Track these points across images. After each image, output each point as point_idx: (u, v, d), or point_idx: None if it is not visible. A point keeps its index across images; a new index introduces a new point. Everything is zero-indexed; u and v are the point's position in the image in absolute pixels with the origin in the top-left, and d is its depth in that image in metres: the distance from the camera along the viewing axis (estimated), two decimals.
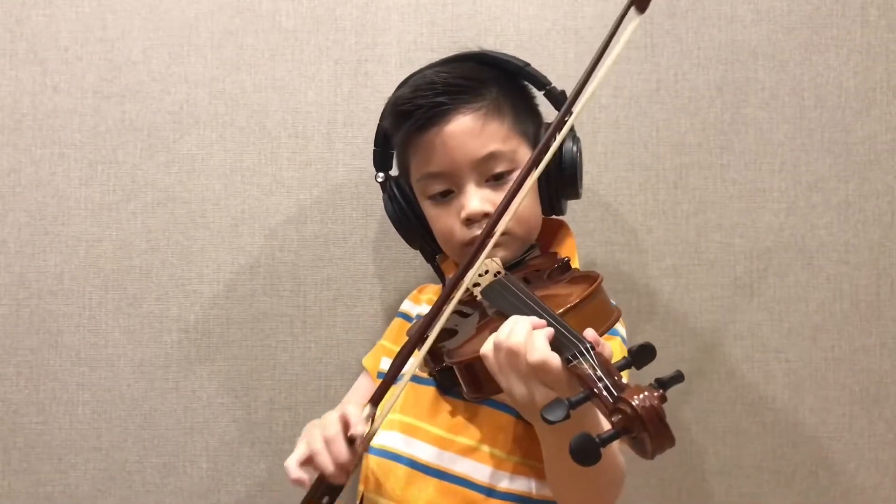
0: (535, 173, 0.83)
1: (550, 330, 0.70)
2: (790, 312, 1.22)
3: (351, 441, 0.80)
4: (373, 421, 0.82)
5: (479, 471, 0.88)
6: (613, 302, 0.84)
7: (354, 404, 0.83)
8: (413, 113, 0.93)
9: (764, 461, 1.22)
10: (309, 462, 0.81)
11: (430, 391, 0.93)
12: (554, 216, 1.03)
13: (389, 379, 0.82)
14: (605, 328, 0.77)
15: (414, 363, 0.82)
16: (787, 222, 1.23)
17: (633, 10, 0.84)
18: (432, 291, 1.09)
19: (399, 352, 0.84)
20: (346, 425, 0.80)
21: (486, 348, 0.73)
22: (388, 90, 1.01)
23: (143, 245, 1.23)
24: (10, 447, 1.22)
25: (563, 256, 0.94)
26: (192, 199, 1.23)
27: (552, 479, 0.84)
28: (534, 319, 0.72)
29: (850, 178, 1.23)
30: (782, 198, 1.23)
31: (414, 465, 0.90)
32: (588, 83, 0.82)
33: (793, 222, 1.23)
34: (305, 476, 0.80)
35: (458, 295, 0.82)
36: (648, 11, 1.21)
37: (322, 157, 1.24)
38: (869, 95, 1.23)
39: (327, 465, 0.79)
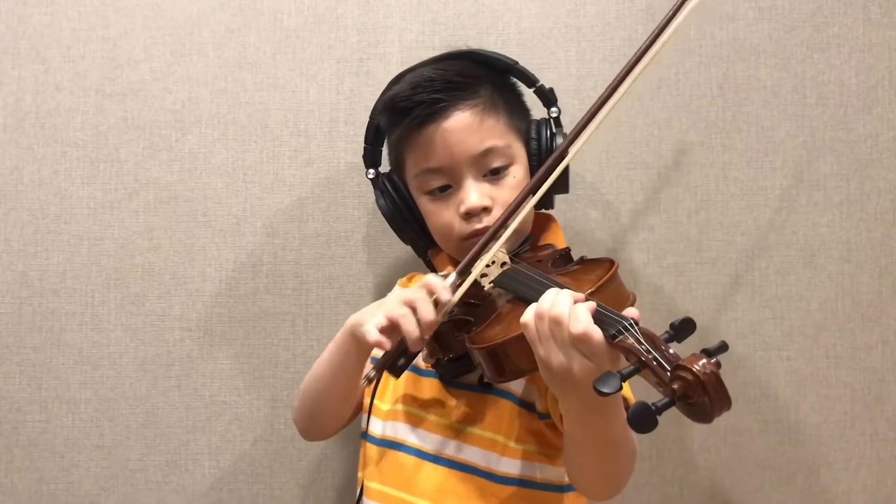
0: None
1: (592, 304, 0.71)
2: (792, 310, 1.22)
3: (435, 305, 0.81)
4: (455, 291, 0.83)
5: (485, 457, 0.90)
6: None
7: (434, 274, 0.86)
8: (412, 110, 0.94)
9: (765, 459, 1.22)
10: (388, 330, 0.81)
11: (433, 382, 0.94)
12: (543, 210, 1.05)
13: (475, 254, 0.85)
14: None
15: (497, 247, 0.85)
16: (789, 220, 1.23)
17: None
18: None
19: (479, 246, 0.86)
20: (430, 292, 0.82)
21: (527, 317, 0.74)
22: None
23: (146, 243, 1.23)
24: (13, 445, 1.22)
25: (561, 248, 0.96)
26: (194, 198, 1.24)
27: (572, 454, 0.84)
28: (573, 293, 0.73)
29: (852, 177, 1.23)
30: (784, 196, 1.23)
31: (419, 453, 0.92)
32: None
33: (794, 220, 1.23)
34: (386, 340, 0.81)
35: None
36: (648, 7, 1.23)
37: (324, 156, 1.24)
38: (871, 94, 1.23)
39: (413, 328, 0.80)
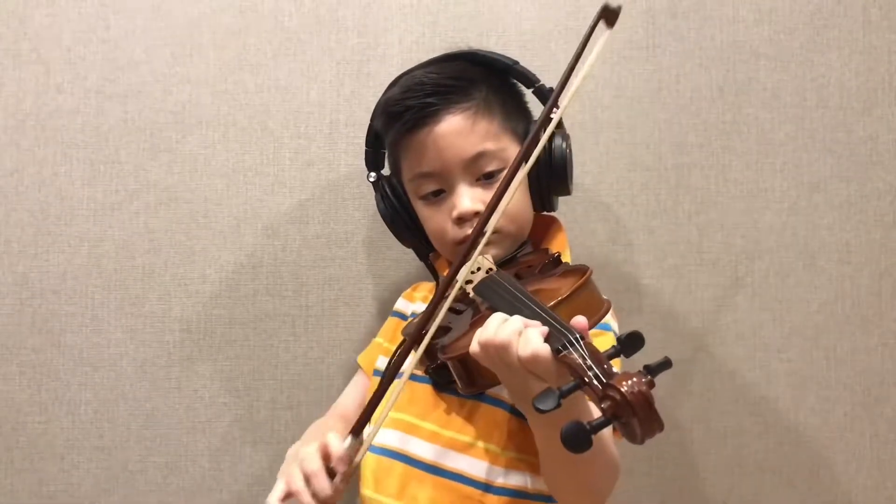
0: (522, 171, 0.84)
1: (545, 329, 0.70)
2: (792, 312, 1.22)
3: (332, 474, 0.79)
4: (357, 449, 0.81)
5: (476, 467, 0.89)
6: (605, 296, 0.84)
7: (334, 434, 0.82)
8: (403, 114, 0.94)
9: (765, 461, 1.22)
10: (289, 497, 0.80)
11: (425, 388, 0.93)
12: (545, 212, 1.03)
13: (376, 399, 0.82)
14: (595, 320, 0.78)
15: (410, 365, 0.82)
16: (789, 222, 1.23)
17: (602, 23, 0.84)
18: (426, 289, 1.09)
19: (395, 352, 0.84)
20: (326, 457, 0.80)
21: (474, 347, 0.74)
22: None
23: (146, 245, 1.23)
24: (13, 446, 1.22)
25: (554, 252, 0.95)
26: (195, 199, 1.24)
27: (547, 471, 0.84)
28: (523, 319, 0.72)
29: (852, 179, 1.23)
30: (784, 198, 1.23)
31: (411, 462, 0.91)
32: (570, 80, 0.83)
33: (794, 222, 1.23)
34: None
35: (453, 294, 0.83)
36: (649, 9, 1.23)
37: (324, 158, 1.24)
38: (871, 96, 1.23)
39: (308, 502, 0.79)
